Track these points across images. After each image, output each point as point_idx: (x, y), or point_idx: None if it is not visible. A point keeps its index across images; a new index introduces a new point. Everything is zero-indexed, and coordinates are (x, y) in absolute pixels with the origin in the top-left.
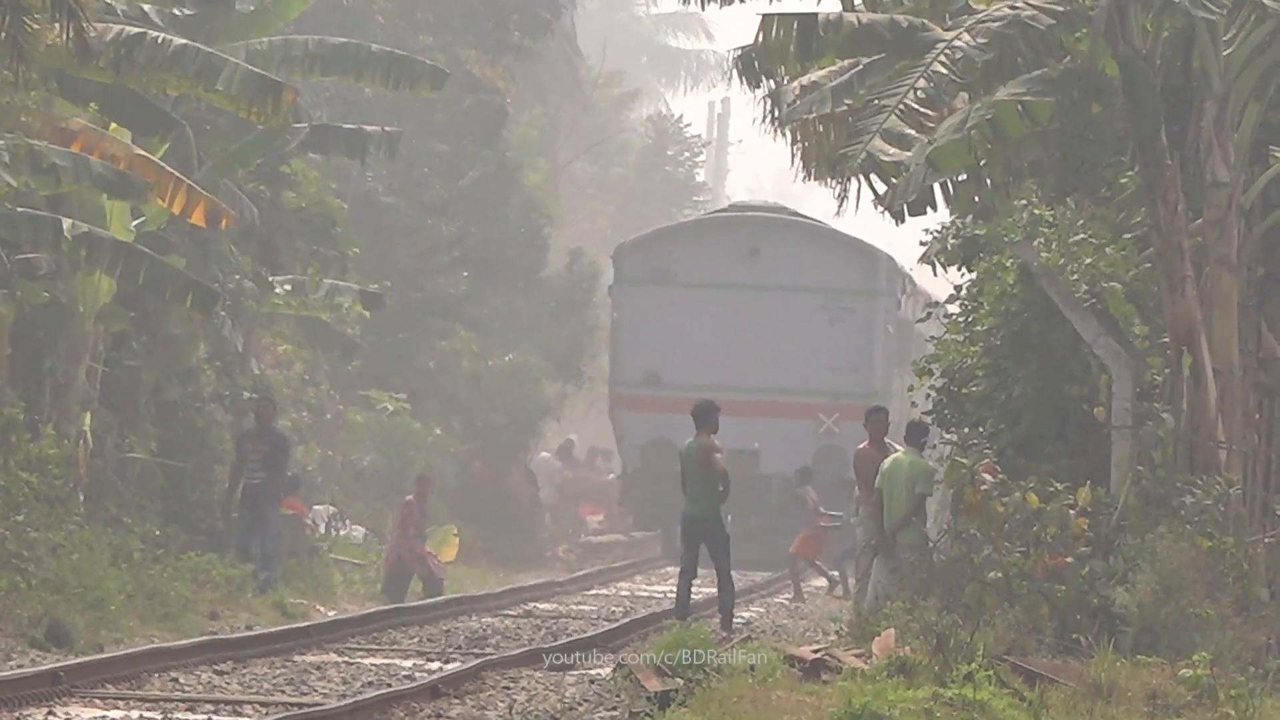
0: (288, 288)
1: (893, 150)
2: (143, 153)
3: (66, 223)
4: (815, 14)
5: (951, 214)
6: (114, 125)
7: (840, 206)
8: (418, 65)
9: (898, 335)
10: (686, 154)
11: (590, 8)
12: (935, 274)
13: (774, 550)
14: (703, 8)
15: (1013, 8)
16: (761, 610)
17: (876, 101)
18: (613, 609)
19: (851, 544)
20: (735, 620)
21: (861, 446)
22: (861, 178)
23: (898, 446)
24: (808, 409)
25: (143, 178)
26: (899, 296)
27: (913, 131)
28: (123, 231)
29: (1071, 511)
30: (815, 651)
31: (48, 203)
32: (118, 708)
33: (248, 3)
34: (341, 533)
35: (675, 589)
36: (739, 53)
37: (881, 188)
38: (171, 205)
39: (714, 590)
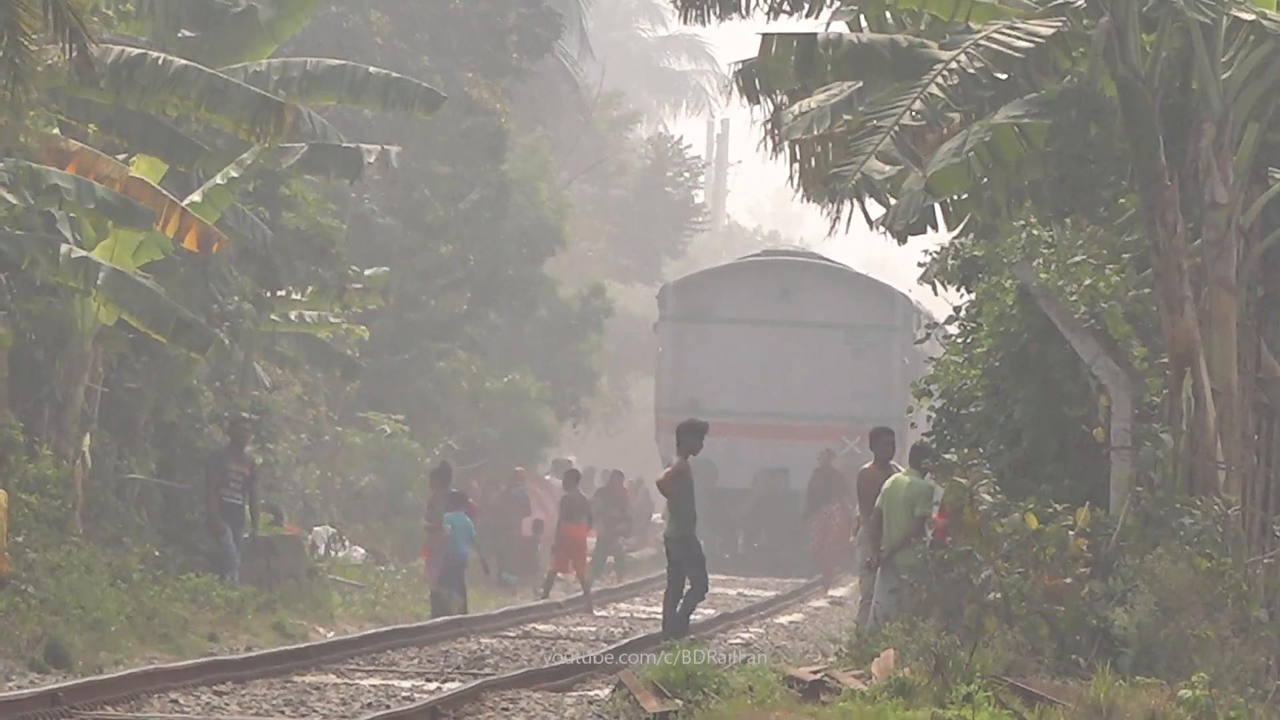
0: (291, 297)
1: (887, 168)
2: (138, 175)
3: (64, 247)
4: (814, 34)
5: (951, 234)
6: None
7: (833, 228)
8: (413, 87)
9: (913, 365)
10: (686, 175)
11: (587, 28)
12: (936, 293)
13: (802, 557)
14: (703, 24)
15: (1011, 28)
16: (761, 631)
17: (873, 122)
18: (612, 630)
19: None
20: (734, 640)
21: (865, 467)
22: (855, 200)
23: (900, 468)
24: (833, 432)
25: (142, 204)
26: (914, 331)
27: (909, 148)
28: (123, 258)
29: (1070, 532)
30: (814, 672)
31: (45, 225)
32: None
33: (245, 26)
34: (340, 554)
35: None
36: (739, 66)
37: (875, 209)
38: (165, 229)
39: (712, 611)
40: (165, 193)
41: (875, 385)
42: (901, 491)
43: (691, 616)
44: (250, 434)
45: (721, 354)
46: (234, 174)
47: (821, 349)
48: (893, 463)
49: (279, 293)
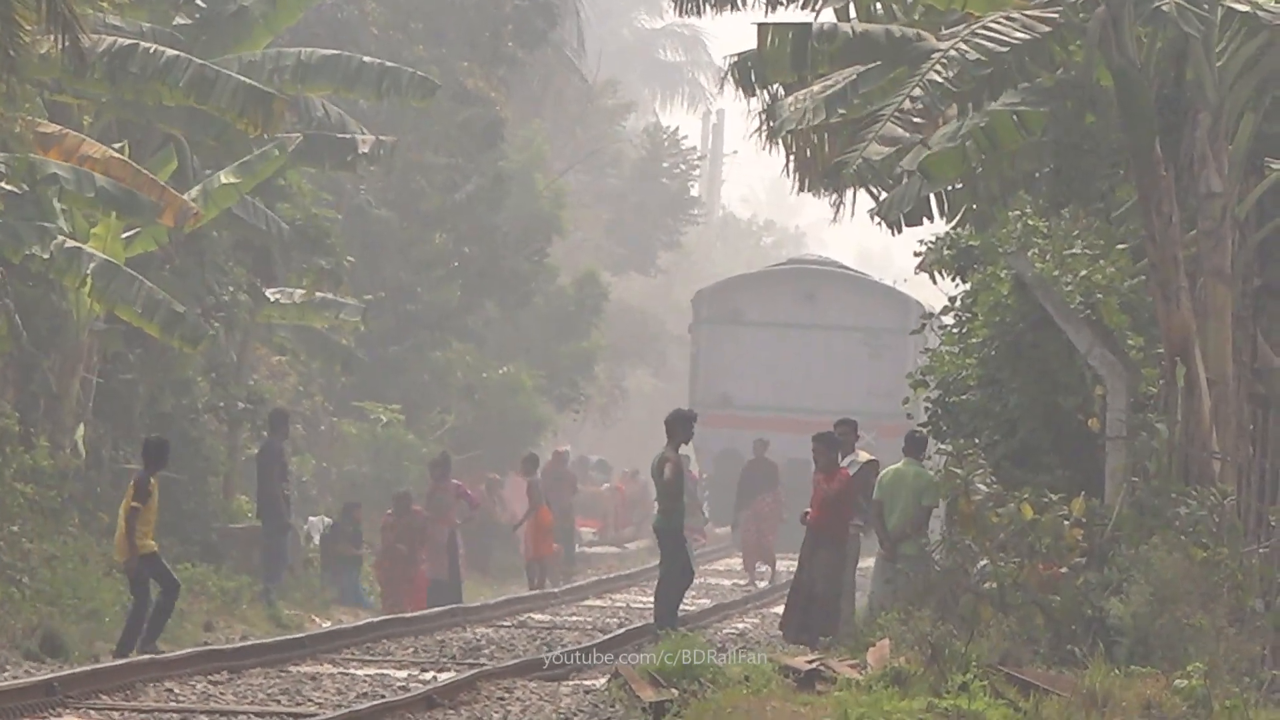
0: (280, 299)
1: (886, 150)
2: (119, 156)
3: (57, 239)
4: (810, 24)
5: (947, 224)
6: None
7: (837, 214)
8: (407, 75)
9: None
10: (682, 165)
11: (582, 18)
12: (935, 282)
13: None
14: (698, 15)
15: (1008, 19)
16: (756, 620)
17: (872, 110)
18: (607, 620)
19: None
20: (729, 630)
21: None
22: (858, 186)
23: (867, 456)
24: None
25: (145, 195)
26: (926, 334)
27: (906, 134)
28: (115, 249)
29: (1066, 522)
30: (810, 662)
31: (39, 214)
32: (112, 718)
33: (239, 17)
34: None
35: None
36: (735, 59)
37: (879, 194)
38: None
39: (707, 601)
40: (144, 171)
41: (890, 383)
42: (909, 482)
43: (681, 606)
44: (289, 425)
45: (750, 354)
46: (237, 179)
47: (842, 350)
48: (860, 452)
49: (275, 291)
